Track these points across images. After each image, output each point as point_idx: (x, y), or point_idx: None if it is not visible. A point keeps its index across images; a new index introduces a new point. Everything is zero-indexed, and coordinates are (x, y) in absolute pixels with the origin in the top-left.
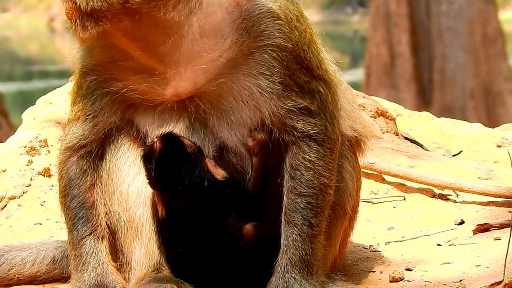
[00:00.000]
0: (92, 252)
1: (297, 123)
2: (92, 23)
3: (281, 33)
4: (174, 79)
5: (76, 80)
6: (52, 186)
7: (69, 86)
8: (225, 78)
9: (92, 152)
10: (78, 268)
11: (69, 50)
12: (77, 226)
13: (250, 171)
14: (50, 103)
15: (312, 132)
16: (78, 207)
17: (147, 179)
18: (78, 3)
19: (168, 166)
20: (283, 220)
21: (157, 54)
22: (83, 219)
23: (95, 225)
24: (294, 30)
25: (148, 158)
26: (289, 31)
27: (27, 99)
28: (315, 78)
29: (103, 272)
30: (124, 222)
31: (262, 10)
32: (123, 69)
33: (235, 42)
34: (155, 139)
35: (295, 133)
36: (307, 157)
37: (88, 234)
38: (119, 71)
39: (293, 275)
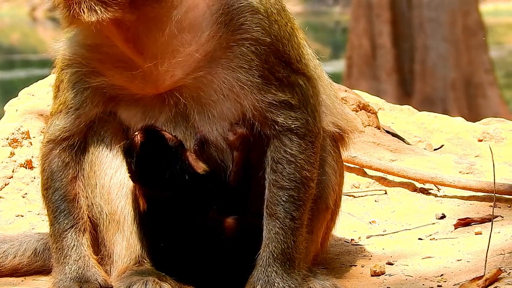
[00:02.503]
0: (74, 245)
1: (278, 116)
2: (102, 8)
3: (259, 27)
4: (151, 73)
5: (57, 73)
6: (34, 178)
7: (52, 78)
8: (203, 71)
9: (74, 145)
10: (59, 261)
11: (50, 40)
12: (59, 219)
13: (231, 165)
14: (33, 95)
15: (293, 125)
16: (60, 200)
17: (128, 172)
18: None
19: (149, 160)
20: (265, 214)
21: (138, 46)
22: (65, 212)
23: (77, 218)
24: (274, 24)
25: (129, 151)
26: (268, 25)
27: (9, 88)
28: (294, 72)
29: (85, 265)
30: (106, 215)
31: (242, 4)
32: (102, 61)
33: (212, 36)
34: (136, 133)
35: (277, 127)
36: (289, 150)
37: (70, 227)
38: (99, 64)
39: (274, 268)
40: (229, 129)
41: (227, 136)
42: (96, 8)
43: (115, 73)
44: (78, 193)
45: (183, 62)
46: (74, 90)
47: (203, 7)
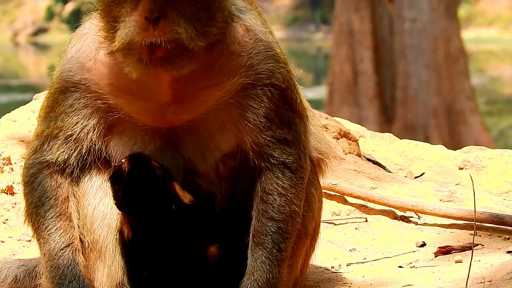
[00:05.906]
0: (70, 264)
1: (275, 151)
2: (187, 61)
3: (280, 74)
4: (167, 109)
5: (53, 93)
6: (15, 204)
7: (33, 103)
8: (216, 109)
9: (65, 170)
10: (54, 281)
11: (32, 65)
12: (55, 237)
13: (218, 195)
14: (14, 121)
15: (287, 160)
16: (56, 218)
17: (114, 200)
18: (182, 38)
19: (136, 188)
20: (251, 242)
21: (176, 87)
22: (61, 230)
23: (72, 238)
24: (288, 73)
25: (116, 179)
26: (286, 73)
27: None
28: (295, 113)
29: (79, 286)
30: (88, 244)
31: (269, 53)
32: (118, 88)
33: (237, 79)
34: (123, 160)
35: (271, 160)
36: (281, 183)
37: (66, 246)
38: (111, 89)
39: None
40: (220, 159)
41: (217, 166)
42: (183, 62)
43: (127, 101)
44: (71, 213)
45: (205, 102)
46: (77, 117)
47: (238, 53)
